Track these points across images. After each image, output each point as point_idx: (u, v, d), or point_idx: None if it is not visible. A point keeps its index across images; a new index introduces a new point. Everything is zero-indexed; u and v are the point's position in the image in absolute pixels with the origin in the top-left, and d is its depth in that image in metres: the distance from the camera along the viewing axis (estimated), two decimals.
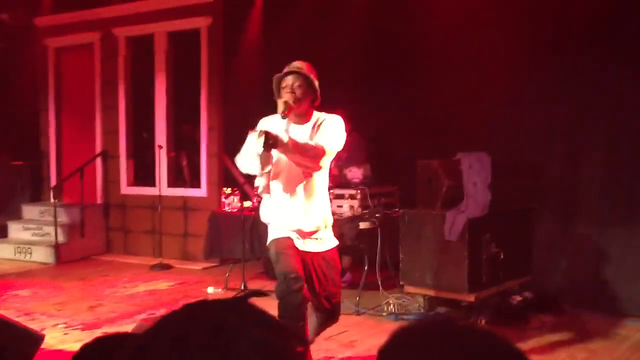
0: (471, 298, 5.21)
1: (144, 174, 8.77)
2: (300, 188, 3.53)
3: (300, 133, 3.49)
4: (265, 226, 3.75)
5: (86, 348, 1.40)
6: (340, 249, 3.98)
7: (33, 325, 4.10)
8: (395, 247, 5.67)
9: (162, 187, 8.17)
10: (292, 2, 7.66)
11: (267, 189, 3.55)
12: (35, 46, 9.39)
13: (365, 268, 5.82)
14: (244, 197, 6.77)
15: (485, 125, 6.16)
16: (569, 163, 5.84)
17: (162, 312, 5.57)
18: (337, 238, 3.81)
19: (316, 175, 3.54)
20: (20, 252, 8.36)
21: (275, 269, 3.52)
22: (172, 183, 8.41)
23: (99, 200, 8.93)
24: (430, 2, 6.61)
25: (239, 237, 6.30)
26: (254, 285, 6.39)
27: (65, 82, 9.41)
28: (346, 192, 6.04)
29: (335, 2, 7.36)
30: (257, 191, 3.66)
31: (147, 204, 8.42)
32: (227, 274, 6.55)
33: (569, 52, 5.69)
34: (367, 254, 5.82)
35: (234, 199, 6.71)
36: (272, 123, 3.47)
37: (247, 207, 6.46)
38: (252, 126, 3.46)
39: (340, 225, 5.26)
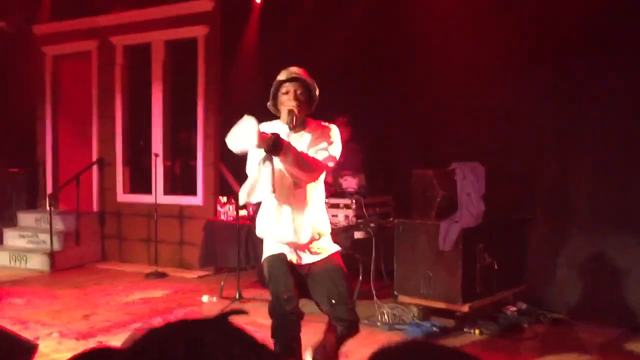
0: (465, 308, 5.22)
1: (140, 182, 8.78)
2: (292, 199, 3.43)
3: (299, 142, 3.36)
4: None
5: None
6: None
7: (27, 334, 4.11)
8: (389, 257, 5.68)
9: (158, 195, 8.18)
10: (289, 11, 7.69)
11: (251, 193, 3.32)
12: (32, 54, 9.41)
13: (360, 278, 5.83)
14: (240, 205, 6.78)
15: (479, 134, 6.20)
16: (561, 172, 5.87)
17: (157, 320, 5.58)
18: None
19: (309, 186, 3.45)
20: (15, 260, 8.36)
21: (268, 288, 3.43)
22: (168, 191, 8.42)
23: (94, 208, 8.93)
24: (426, 16, 6.65)
25: (234, 245, 6.32)
26: (249, 294, 6.39)
27: (62, 89, 9.43)
28: (341, 201, 6.06)
29: (332, 11, 7.39)
30: (240, 202, 3.55)
31: (142, 211, 8.42)
32: (222, 283, 6.55)
33: (561, 61, 5.73)
34: (361, 263, 5.82)
35: (229, 208, 6.73)
36: (270, 130, 3.25)
37: (243, 216, 6.47)
38: None
39: (335, 235, 5.25)
